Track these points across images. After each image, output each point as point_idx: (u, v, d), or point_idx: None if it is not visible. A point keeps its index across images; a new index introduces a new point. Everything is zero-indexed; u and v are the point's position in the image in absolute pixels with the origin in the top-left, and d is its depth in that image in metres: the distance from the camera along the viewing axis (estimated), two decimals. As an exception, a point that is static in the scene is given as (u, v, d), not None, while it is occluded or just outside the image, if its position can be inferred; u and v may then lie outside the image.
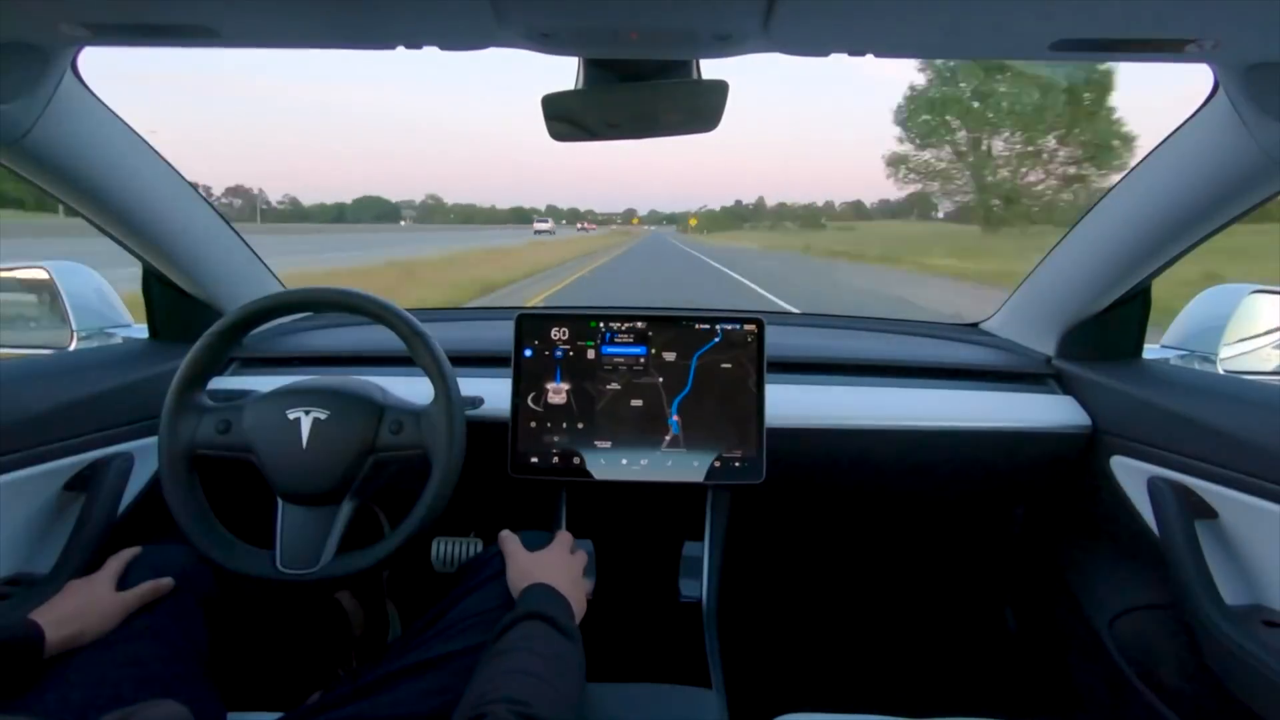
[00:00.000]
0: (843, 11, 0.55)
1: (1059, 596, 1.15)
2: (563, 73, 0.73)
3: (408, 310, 0.88)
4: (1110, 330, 1.08)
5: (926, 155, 29.73)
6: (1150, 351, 1.12)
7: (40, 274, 1.24)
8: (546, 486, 1.05)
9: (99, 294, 1.28)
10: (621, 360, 1.01)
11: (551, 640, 0.65)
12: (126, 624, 0.72)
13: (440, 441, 0.83)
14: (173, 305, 1.12)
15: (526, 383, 1.00)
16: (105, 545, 0.86)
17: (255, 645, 1.02)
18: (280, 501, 0.85)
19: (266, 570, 0.81)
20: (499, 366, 1.04)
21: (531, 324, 1.01)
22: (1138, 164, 0.91)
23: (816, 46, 0.62)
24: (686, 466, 0.99)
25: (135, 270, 1.10)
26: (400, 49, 0.63)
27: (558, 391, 1.00)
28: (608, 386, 1.00)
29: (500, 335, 1.05)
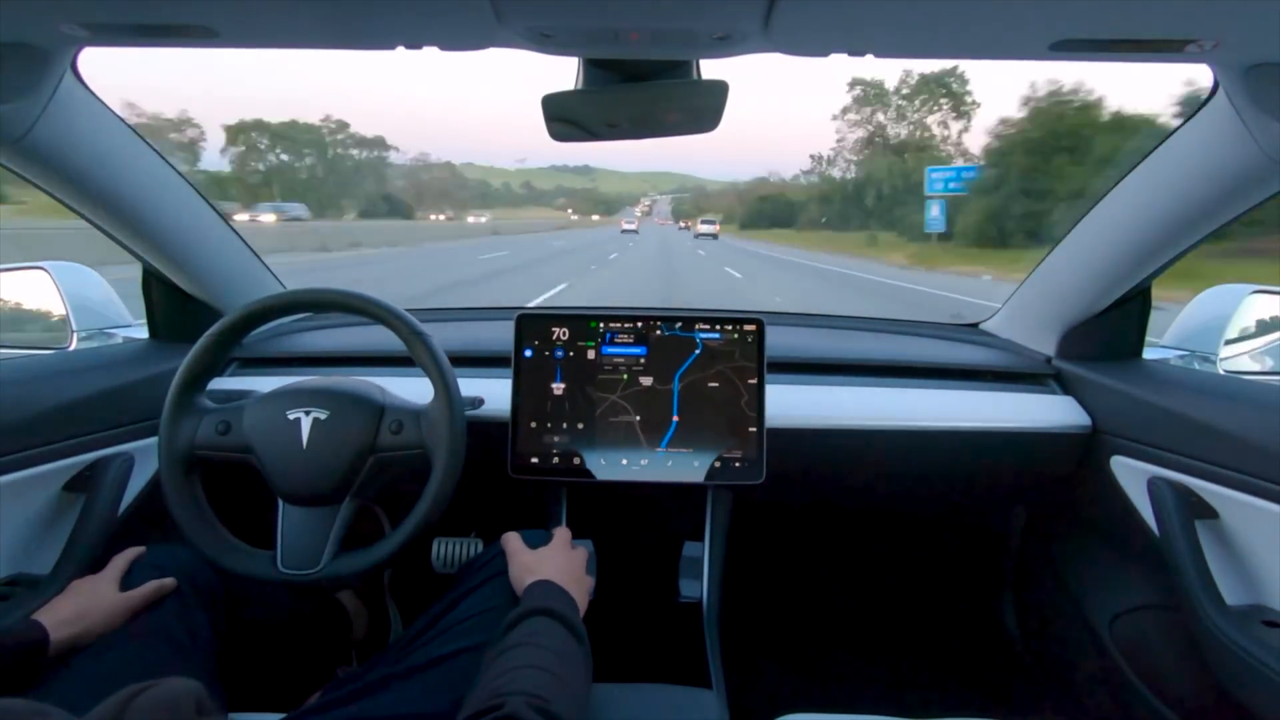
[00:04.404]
0: (843, 12, 0.55)
1: (1059, 596, 1.16)
2: (562, 73, 0.73)
3: (406, 310, 0.88)
4: (1110, 330, 1.08)
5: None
6: (1150, 351, 1.12)
7: (40, 274, 1.24)
8: (547, 487, 1.05)
9: (99, 294, 1.28)
10: (622, 360, 1.01)
11: (560, 637, 0.65)
12: (130, 624, 0.73)
13: (440, 441, 0.83)
14: (173, 305, 1.12)
15: (527, 383, 1.00)
16: (106, 546, 0.86)
17: (257, 645, 1.02)
18: (281, 502, 0.85)
19: (267, 571, 0.81)
20: (499, 366, 1.04)
21: (531, 324, 1.01)
22: (1137, 164, 0.91)
23: (816, 47, 0.62)
24: (687, 466, 0.99)
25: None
26: (400, 49, 0.63)
27: (558, 391, 1.00)
28: (608, 387, 1.00)
29: (500, 335, 1.05)
